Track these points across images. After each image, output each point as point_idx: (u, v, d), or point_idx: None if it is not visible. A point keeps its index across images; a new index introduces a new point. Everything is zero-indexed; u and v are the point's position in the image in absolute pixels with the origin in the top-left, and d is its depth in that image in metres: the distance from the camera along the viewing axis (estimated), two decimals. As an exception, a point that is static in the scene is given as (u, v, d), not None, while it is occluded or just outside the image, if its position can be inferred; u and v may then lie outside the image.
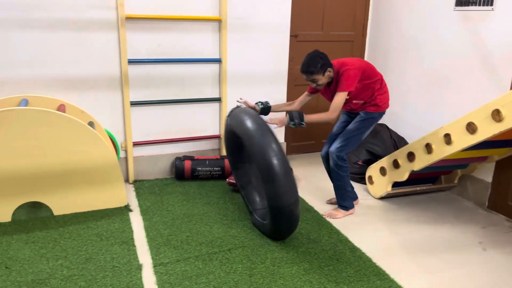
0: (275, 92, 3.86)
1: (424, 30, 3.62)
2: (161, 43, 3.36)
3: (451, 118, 2.89)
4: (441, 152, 2.62)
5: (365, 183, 3.53)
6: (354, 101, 2.80)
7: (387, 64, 4.07)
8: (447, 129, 2.56)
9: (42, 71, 3.07)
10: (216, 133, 3.74)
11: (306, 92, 2.99)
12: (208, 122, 3.70)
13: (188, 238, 2.60)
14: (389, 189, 3.15)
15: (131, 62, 3.26)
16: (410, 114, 3.83)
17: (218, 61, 3.54)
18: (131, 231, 2.68)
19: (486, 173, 3.20)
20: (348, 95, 2.71)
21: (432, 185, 3.48)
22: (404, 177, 2.98)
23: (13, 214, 2.75)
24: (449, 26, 3.37)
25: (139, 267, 2.28)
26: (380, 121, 4.05)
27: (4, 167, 2.65)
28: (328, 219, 2.92)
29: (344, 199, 2.95)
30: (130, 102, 3.33)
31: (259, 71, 3.74)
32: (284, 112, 3.13)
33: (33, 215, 2.83)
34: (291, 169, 2.45)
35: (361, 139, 2.90)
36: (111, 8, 3.14)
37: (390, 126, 3.94)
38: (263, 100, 3.08)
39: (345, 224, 2.87)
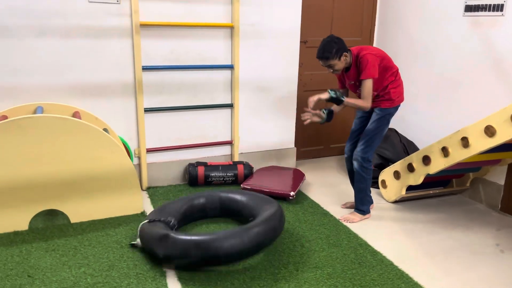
0: (285, 98, 3.89)
1: (434, 35, 3.66)
2: (174, 50, 3.37)
3: (462, 122, 2.96)
4: (458, 155, 2.65)
5: (377, 187, 3.56)
6: None
7: (394, 69, 4.11)
8: (464, 132, 2.59)
9: (56, 78, 3.07)
10: (228, 139, 3.75)
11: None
12: (219, 128, 3.71)
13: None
14: (403, 193, 3.18)
15: (145, 69, 3.27)
16: (419, 118, 3.87)
17: (230, 67, 3.56)
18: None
19: (498, 176, 3.24)
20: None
21: (444, 188, 3.51)
22: (419, 180, 3.00)
23: (30, 222, 2.74)
24: (458, 31, 3.42)
25: (163, 274, 2.28)
26: (390, 126, 4.10)
27: (21, 175, 2.64)
28: (344, 223, 2.94)
29: (363, 203, 2.97)
30: (144, 108, 3.33)
31: (270, 76, 3.77)
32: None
33: (50, 223, 2.81)
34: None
35: (382, 136, 2.92)
36: (126, 15, 3.15)
37: (399, 131, 3.97)
38: (326, 109, 2.93)
39: (362, 228, 2.88)
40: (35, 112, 3.00)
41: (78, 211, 2.85)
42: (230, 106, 3.66)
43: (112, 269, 2.31)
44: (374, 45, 4.39)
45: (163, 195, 3.35)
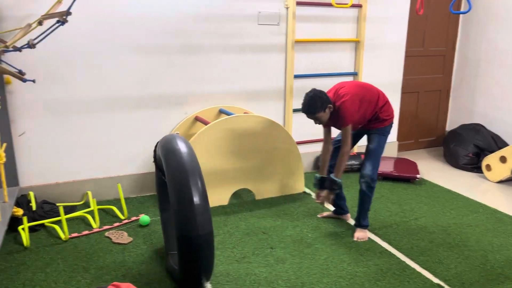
0: (391, 98, 4.62)
1: (518, 45, 4.43)
2: (313, 61, 4.14)
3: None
4: None
5: (476, 172, 4.32)
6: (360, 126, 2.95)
7: (477, 72, 4.88)
8: None
9: (231, 85, 3.83)
10: (348, 134, 4.50)
11: (324, 130, 3.04)
12: (342, 125, 4.46)
13: (377, 212, 3.34)
14: (509, 173, 3.92)
15: (295, 77, 4.03)
16: (504, 114, 4.62)
17: (354, 74, 4.33)
18: (328, 210, 3.41)
19: None
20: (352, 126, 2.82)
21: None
22: (527, 162, 3.76)
23: (229, 198, 3.48)
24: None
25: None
26: (477, 122, 4.87)
27: (227, 162, 3.37)
28: (359, 241, 2.91)
29: (365, 218, 2.99)
30: (293, 109, 4.10)
31: (380, 81, 4.51)
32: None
33: (240, 200, 3.55)
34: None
35: (383, 151, 2.97)
36: (282, 34, 3.91)
37: (486, 126, 4.72)
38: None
39: (485, 199, 3.61)
40: (219, 113, 3.75)
41: (261, 190, 3.59)
42: (352, 106, 4.42)
43: (319, 229, 3.05)
44: (456, 54, 5.16)
45: (308, 179, 4.07)
